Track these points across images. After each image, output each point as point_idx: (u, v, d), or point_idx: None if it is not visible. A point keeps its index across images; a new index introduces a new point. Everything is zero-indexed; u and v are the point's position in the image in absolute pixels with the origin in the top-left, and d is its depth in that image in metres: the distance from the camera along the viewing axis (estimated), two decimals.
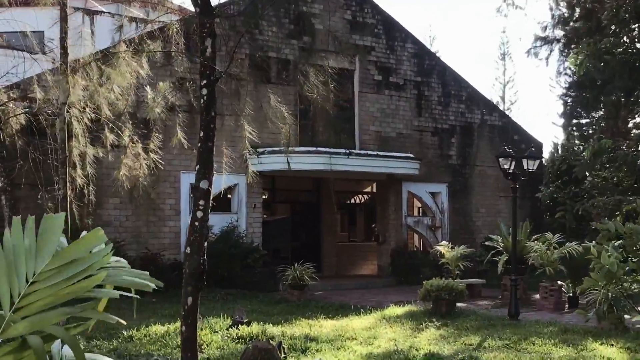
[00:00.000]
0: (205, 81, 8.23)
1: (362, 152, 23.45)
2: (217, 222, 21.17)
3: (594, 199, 19.97)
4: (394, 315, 15.91)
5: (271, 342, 10.34)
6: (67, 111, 11.61)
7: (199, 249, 7.92)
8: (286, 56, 22.79)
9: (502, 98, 46.33)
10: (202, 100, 8.30)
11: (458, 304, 17.04)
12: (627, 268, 8.19)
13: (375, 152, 23.70)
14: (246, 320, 12.73)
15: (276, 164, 21.56)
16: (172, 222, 20.62)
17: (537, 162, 17.16)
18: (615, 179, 18.85)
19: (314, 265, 25.83)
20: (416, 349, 11.55)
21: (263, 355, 9.39)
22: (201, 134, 8.28)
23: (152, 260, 19.26)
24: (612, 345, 12.08)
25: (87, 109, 12.07)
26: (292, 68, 22.90)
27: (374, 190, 27.05)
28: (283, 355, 10.15)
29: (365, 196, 29.17)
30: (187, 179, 20.84)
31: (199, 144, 8.26)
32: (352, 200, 30.00)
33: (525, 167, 16.62)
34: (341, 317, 15.57)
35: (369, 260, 27.61)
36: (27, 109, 12.55)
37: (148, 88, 13.15)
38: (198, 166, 8.17)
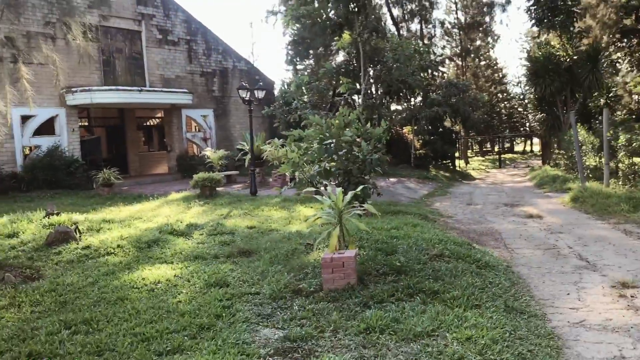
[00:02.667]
0: None
1: (151, 89, 23.84)
2: (45, 142, 20.84)
3: (296, 114, 21.99)
4: (174, 199, 16.26)
5: (70, 226, 10.08)
6: None
7: None
8: (89, 20, 22.34)
9: (252, 52, 47.25)
10: None
11: (218, 189, 17.76)
12: (305, 159, 9.32)
13: (160, 89, 24.19)
14: (57, 212, 12.12)
15: (86, 99, 21.49)
16: (8, 144, 19.93)
17: (264, 92, 18.41)
18: (312, 101, 20.80)
19: (123, 169, 26.43)
20: (181, 222, 11.66)
21: (63, 236, 9.50)
22: None
23: None
24: (311, 207, 13.11)
25: None
26: (95, 29, 22.60)
27: (163, 115, 27.55)
28: (79, 235, 10.02)
29: (158, 119, 29.38)
30: (17, 112, 20.31)
31: None
32: (149, 123, 30.08)
33: (257, 95, 18.24)
34: (136, 204, 15.68)
35: (162, 164, 27.99)
36: None
37: None
38: None
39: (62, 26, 21.33)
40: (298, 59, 25.91)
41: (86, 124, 26.11)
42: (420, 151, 27.34)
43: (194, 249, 9.29)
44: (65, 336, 5.23)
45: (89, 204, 16.26)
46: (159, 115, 28.64)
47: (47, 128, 21.29)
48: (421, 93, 24.11)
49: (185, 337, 5.17)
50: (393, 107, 27.07)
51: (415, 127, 25.46)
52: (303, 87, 16.67)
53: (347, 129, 9.09)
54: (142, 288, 7.03)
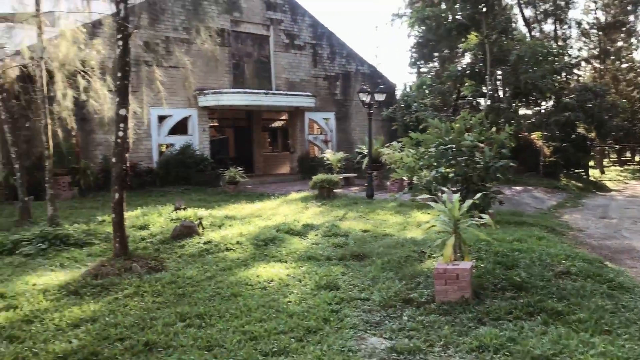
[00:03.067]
0: (120, 35, 7.93)
1: (277, 92, 24.57)
2: (178, 141, 22.13)
3: (413, 115, 21.40)
4: (293, 199, 16.55)
5: (194, 221, 10.56)
6: (44, 62, 11.42)
7: (122, 159, 7.86)
8: (221, 25, 23.49)
9: (376, 56, 47.12)
10: (117, 50, 7.95)
11: (336, 190, 18.06)
12: (420, 164, 9.07)
13: (285, 92, 24.91)
14: (184, 206, 12.68)
15: (216, 101, 22.64)
16: (146, 142, 21.50)
17: (384, 95, 18.32)
18: (433, 104, 20.11)
19: (248, 168, 27.50)
20: (298, 221, 11.81)
21: (187, 230, 9.98)
22: (119, 74, 7.97)
23: (133, 167, 20.15)
24: (427, 213, 12.61)
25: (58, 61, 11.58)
26: (226, 34, 23.72)
27: (287, 118, 28.26)
28: (202, 230, 10.45)
29: (282, 122, 30.31)
30: (155, 112, 21.80)
31: (117, 82, 7.95)
32: (274, 125, 31.15)
33: (377, 99, 18.11)
34: (257, 202, 16.01)
35: (285, 164, 28.82)
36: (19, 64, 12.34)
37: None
38: (118, 99, 7.88)
39: (195, 31, 22.65)
40: (422, 62, 25.44)
41: (216, 124, 27.43)
42: (550, 159, 25.71)
43: (307, 249, 9.34)
44: (179, 328, 5.42)
45: (215, 200, 16.99)
46: (283, 117, 29.40)
47: (180, 127, 22.60)
48: (553, 97, 22.64)
49: (292, 339, 5.15)
50: (522, 111, 25.80)
51: (545, 133, 23.98)
52: (425, 89, 16.23)
53: (468, 134, 8.70)
54: (256, 285, 7.15)
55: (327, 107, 27.14)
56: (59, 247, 9.32)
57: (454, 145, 7.79)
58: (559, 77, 20.59)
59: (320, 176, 17.42)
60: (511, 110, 19.41)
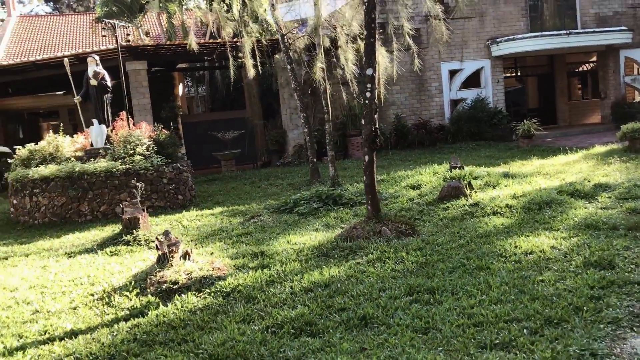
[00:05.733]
0: None
1: (580, 31, 21.51)
2: (470, 95, 21.24)
3: None
4: (595, 153, 14.37)
5: (462, 181, 9.83)
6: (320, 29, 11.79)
7: (371, 120, 7.50)
8: None
9: None
10: (363, 5, 7.54)
11: None
12: None
13: (591, 30, 21.58)
14: (459, 165, 11.93)
15: (510, 49, 20.87)
16: (437, 98, 21.15)
17: None
18: None
19: (551, 119, 25.10)
20: (589, 181, 10.22)
21: (454, 192, 9.40)
22: (365, 33, 7.55)
23: (424, 125, 20.18)
24: None
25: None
26: None
27: (597, 59, 24.73)
28: (470, 190, 9.67)
29: (592, 64, 26.66)
30: (446, 67, 21.28)
31: (365, 41, 7.49)
32: (581, 68, 27.58)
33: None
34: (551, 157, 14.45)
35: (595, 113, 25.34)
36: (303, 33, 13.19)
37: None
38: (365, 58, 7.46)
39: None
40: None
41: (513, 74, 25.57)
42: None
43: (589, 216, 7.88)
44: (404, 303, 5.01)
45: (503, 156, 15.89)
46: (593, 59, 25.82)
47: (473, 81, 21.67)
48: None
49: (524, 331, 4.27)
50: None
51: None
52: None
53: None
54: (510, 258, 6.27)
55: None
56: (330, 207, 9.73)
57: None
58: None
59: (631, 125, 14.71)
60: None
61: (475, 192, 9.90)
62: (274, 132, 18.86)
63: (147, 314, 5.20)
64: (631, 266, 5.67)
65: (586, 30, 21.43)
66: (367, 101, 7.54)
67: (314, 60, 12.41)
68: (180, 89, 26.54)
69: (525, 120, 18.46)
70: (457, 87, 21.29)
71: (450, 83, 21.18)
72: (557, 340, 4.07)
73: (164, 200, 11.41)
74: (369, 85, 7.49)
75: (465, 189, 9.61)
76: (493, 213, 8.52)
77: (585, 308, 4.61)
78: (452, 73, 21.19)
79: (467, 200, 9.27)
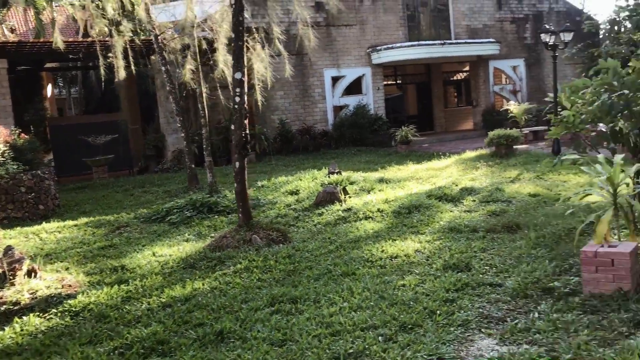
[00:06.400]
0: None
1: (454, 41, 22.74)
2: (352, 101, 21.63)
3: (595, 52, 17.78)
4: (465, 158, 15.12)
5: (336, 187, 9.92)
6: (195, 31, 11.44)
7: (241, 125, 7.35)
8: None
9: None
10: (232, 6, 7.39)
11: (518, 147, 16.44)
12: (582, 117, 6.90)
13: (463, 41, 22.89)
14: (337, 171, 12.19)
15: (389, 57, 21.56)
16: (321, 104, 21.35)
17: (572, 34, 15.91)
18: (632, 39, 16.40)
19: (429, 126, 26.26)
20: (457, 185, 10.69)
21: (329, 197, 9.48)
22: (233, 36, 7.42)
23: (308, 130, 20.32)
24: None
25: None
26: None
27: (470, 69, 26.24)
28: (345, 196, 9.81)
29: (465, 73, 28.27)
30: (328, 73, 21.57)
31: (233, 44, 7.31)
32: (456, 77, 29.16)
33: (562, 39, 15.64)
34: (426, 162, 14.94)
35: (468, 120, 26.83)
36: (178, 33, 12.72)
37: None
38: (233, 62, 7.32)
39: None
40: None
41: (393, 82, 26.47)
42: None
43: (454, 219, 8.24)
44: (264, 315, 4.89)
45: (382, 161, 16.30)
46: (466, 68, 27.36)
47: (355, 88, 22.14)
48: None
49: (380, 338, 4.30)
50: None
51: None
52: (623, 19, 13.30)
53: None
54: (376, 262, 6.37)
55: (515, 53, 24.54)
56: (205, 215, 9.44)
57: (626, 92, 6.01)
58: None
59: (497, 131, 15.71)
60: None
61: (350, 197, 10.06)
62: (152, 137, 18.14)
63: None
64: (486, 267, 5.95)
65: (459, 41, 22.68)
66: (236, 106, 7.41)
67: (194, 62, 12.04)
68: (49, 90, 24.86)
69: (403, 127, 19.14)
70: (339, 93, 21.65)
71: (333, 89, 21.49)
72: (408, 346, 4.13)
73: (22, 210, 10.54)
74: (237, 90, 7.35)
75: (340, 195, 9.72)
76: (365, 218, 8.67)
77: (438, 312, 4.74)
78: (335, 80, 21.52)
79: (341, 206, 9.38)
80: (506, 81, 25.33)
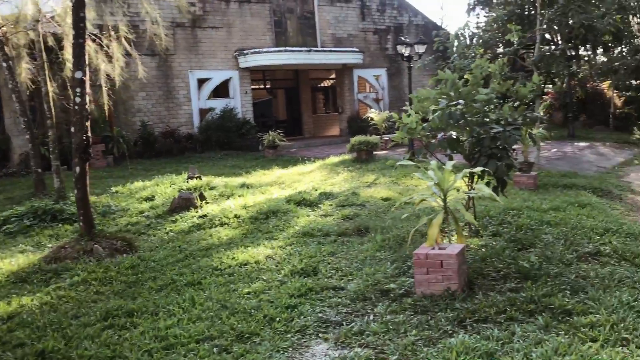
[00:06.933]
0: None
1: (320, 49, 23.23)
2: (219, 104, 21.30)
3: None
4: (329, 163, 15.44)
5: (196, 192, 9.86)
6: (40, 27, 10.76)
7: (82, 127, 7.01)
8: None
9: (442, 7, 43.74)
10: (72, 4, 7.03)
11: (379, 153, 17.05)
12: (423, 126, 7.21)
13: (329, 49, 23.47)
14: (197, 175, 12.05)
15: (256, 61, 21.53)
16: (186, 107, 20.76)
17: (425, 46, 16.85)
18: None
19: (297, 131, 26.57)
20: (316, 190, 10.84)
21: (185, 203, 9.22)
22: (73, 33, 7.05)
23: (172, 133, 19.68)
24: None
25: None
26: None
27: (336, 76, 26.94)
28: (202, 202, 9.58)
29: (331, 80, 28.97)
30: (194, 75, 21.07)
31: (73, 41, 7.00)
32: (323, 84, 29.80)
33: (417, 51, 16.54)
34: (291, 167, 15.07)
35: (335, 126, 27.48)
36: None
37: None
38: (74, 60, 7.02)
39: None
40: (479, 6, 22.99)
41: (262, 86, 26.48)
42: (622, 110, 23.05)
43: (309, 223, 8.32)
44: (94, 331, 4.58)
45: (248, 166, 16.17)
46: (332, 76, 28.06)
47: (222, 91, 21.85)
48: (625, 40, 19.90)
49: (214, 349, 4.18)
50: (597, 58, 22.94)
51: (616, 82, 21.30)
52: (465, 37, 14.39)
53: (489, 87, 7.28)
54: (225, 270, 6.24)
55: (378, 63, 25.57)
56: (47, 224, 8.76)
57: (462, 102, 6.43)
58: (626, 17, 17.88)
59: (358, 138, 16.27)
60: (567, 57, 17.03)
61: (207, 203, 9.84)
62: None
63: None
64: (332, 271, 6.05)
65: (324, 49, 23.21)
66: (77, 107, 6.92)
67: (40, 59, 11.17)
68: None
69: (270, 132, 19.16)
70: (205, 96, 21.24)
71: (199, 92, 21.03)
72: (242, 357, 4.06)
73: None
74: (78, 90, 6.88)
75: (197, 200, 9.47)
76: (220, 224, 8.51)
77: (278, 319, 4.71)
78: (201, 82, 21.08)
79: (197, 212, 9.13)
80: (370, 90, 26.30)
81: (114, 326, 4.68)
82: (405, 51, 15.87)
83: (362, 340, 4.30)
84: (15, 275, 6.28)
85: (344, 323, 4.67)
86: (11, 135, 16.60)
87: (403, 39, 16.26)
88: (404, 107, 20.79)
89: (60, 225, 8.82)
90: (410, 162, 6.09)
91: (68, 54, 10.69)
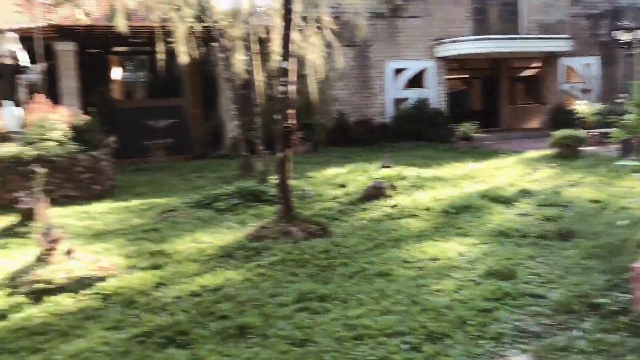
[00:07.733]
0: None
1: (522, 36, 21.83)
2: (413, 94, 21.22)
3: None
4: (527, 158, 14.63)
5: (385, 182, 9.76)
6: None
7: (285, 116, 7.21)
8: None
9: None
10: None
11: (585, 149, 15.67)
12: None
13: (532, 36, 21.91)
14: (390, 165, 12.06)
15: (454, 50, 20.98)
16: (380, 97, 21.01)
17: None
18: None
19: (494, 122, 25.37)
20: (514, 186, 10.27)
21: (377, 192, 9.27)
22: (283, 24, 7.31)
23: (366, 122, 20.04)
24: None
25: None
26: None
27: (540, 65, 25.14)
28: (393, 191, 9.53)
29: (535, 70, 27.11)
30: (391, 65, 21.17)
31: (283, 33, 7.24)
32: (525, 74, 28.04)
33: (638, 36, 14.67)
34: (484, 161, 14.39)
35: (536, 118, 25.70)
36: None
37: None
38: (282, 50, 7.24)
39: None
40: None
41: (459, 76, 25.74)
42: None
43: (504, 222, 7.82)
44: (290, 311, 4.75)
45: (439, 157, 15.84)
46: (535, 65, 26.24)
47: (417, 80, 21.67)
48: None
49: (404, 346, 4.06)
50: None
51: None
52: None
53: None
54: (415, 263, 6.10)
55: (589, 50, 23.23)
56: (251, 203, 9.40)
57: None
58: None
59: (562, 132, 15.05)
60: None
61: (398, 193, 9.75)
62: (210, 123, 18.36)
63: (10, 316, 4.77)
64: (530, 277, 5.58)
65: (529, 36, 21.74)
66: (281, 95, 7.23)
67: (251, 50, 12.04)
68: (118, 74, 25.61)
69: (463, 123, 18.54)
70: (401, 86, 21.24)
71: (394, 82, 21.09)
72: (433, 358, 3.88)
73: (79, 190, 10.83)
74: (283, 79, 7.18)
75: (389, 190, 9.46)
76: (411, 216, 8.38)
77: (471, 322, 4.45)
78: (397, 72, 21.10)
79: (388, 202, 9.11)
80: (577, 80, 24.11)
81: (307, 309, 4.80)
82: (625, 37, 14.15)
83: (567, 358, 3.87)
84: (222, 249, 6.79)
85: (545, 335, 4.25)
86: (225, 121, 18.21)
87: (622, 23, 14.46)
88: (618, 100, 18.74)
89: (262, 205, 9.39)
90: (635, 162, 5.32)
91: (275, 45, 11.36)
